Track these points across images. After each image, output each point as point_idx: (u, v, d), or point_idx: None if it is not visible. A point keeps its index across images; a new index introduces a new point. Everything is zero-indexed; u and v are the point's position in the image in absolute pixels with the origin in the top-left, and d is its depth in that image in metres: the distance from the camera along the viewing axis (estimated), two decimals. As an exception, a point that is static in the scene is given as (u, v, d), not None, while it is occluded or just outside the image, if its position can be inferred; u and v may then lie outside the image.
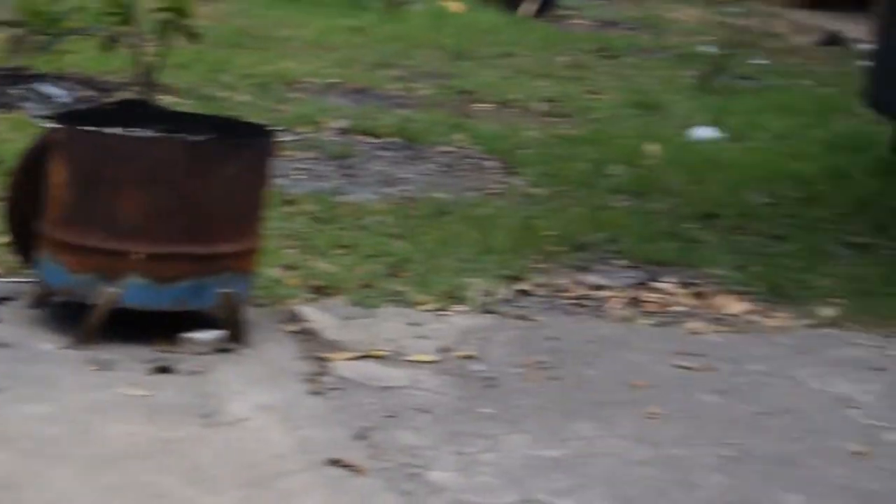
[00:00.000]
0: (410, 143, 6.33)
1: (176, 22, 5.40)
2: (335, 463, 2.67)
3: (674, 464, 2.94)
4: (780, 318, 4.19)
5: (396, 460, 2.79)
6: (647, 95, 8.08)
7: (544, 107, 7.62)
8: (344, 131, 6.38)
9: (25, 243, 3.46)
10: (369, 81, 7.91)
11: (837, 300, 4.37)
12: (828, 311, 4.22)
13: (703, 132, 7.05)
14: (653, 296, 4.32)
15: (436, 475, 2.74)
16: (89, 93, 6.37)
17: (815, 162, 6.53)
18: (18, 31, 5.84)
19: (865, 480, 2.95)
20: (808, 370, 3.68)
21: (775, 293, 4.42)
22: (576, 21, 11.84)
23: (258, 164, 3.41)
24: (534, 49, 9.73)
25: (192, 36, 5.46)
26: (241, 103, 6.62)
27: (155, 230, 3.19)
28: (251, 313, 3.50)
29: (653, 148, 6.38)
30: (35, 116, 5.56)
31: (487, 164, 6.14)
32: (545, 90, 8.11)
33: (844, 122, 7.43)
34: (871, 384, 3.63)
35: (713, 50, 9.45)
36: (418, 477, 2.72)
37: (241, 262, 3.39)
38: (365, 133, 6.42)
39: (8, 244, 3.66)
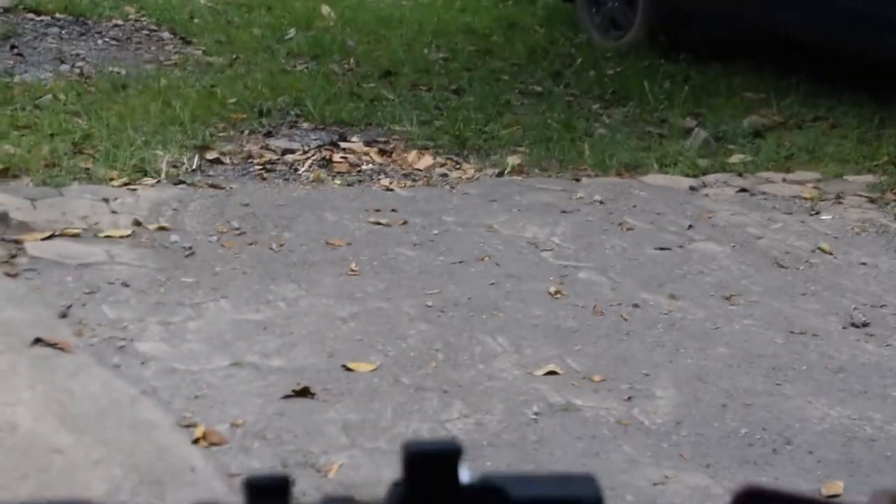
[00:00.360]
0: (79, 18, 5.96)
1: None
2: (39, 342, 2.67)
3: (378, 317, 3.09)
4: (468, 170, 4.29)
5: (102, 335, 2.83)
6: None
7: None
8: (6, 10, 5.89)
9: None
10: None
11: (521, 148, 4.49)
12: (513, 160, 4.32)
13: None
14: (341, 156, 4.29)
15: (144, 346, 2.80)
16: None
17: (487, 14, 6.57)
18: None
19: (563, 318, 3.16)
20: (499, 218, 3.81)
21: (461, 145, 4.48)
22: None
23: None
24: None
25: None
26: None
27: None
28: None
29: (327, 10, 6.28)
30: None
31: (162, 35, 5.89)
32: None
33: None
34: (561, 227, 3.79)
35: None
36: (126, 349, 2.78)
37: None
38: (30, 10, 5.95)
39: None
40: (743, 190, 4.27)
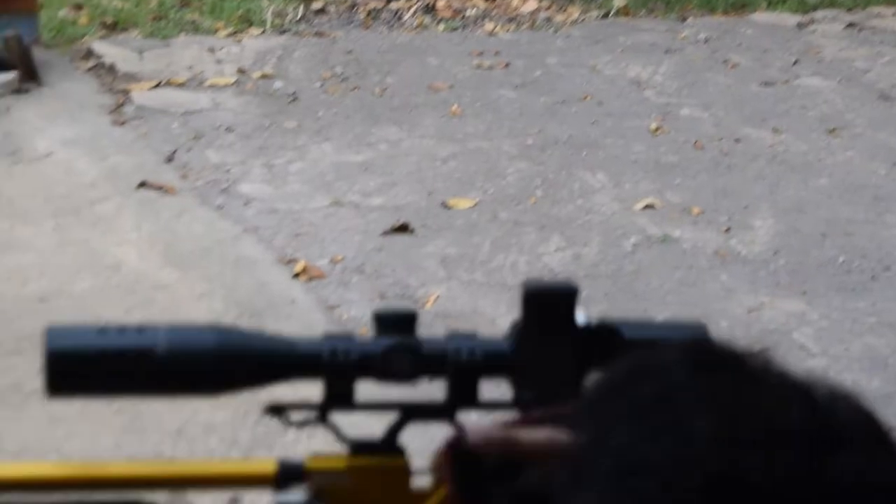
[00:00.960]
0: None
1: None
2: (145, 185, 2.80)
3: (478, 156, 3.13)
4: (573, 12, 4.39)
5: (206, 178, 2.95)
6: None
7: None
8: None
9: None
10: None
11: None
12: (619, 1, 4.43)
13: None
14: (446, 2, 4.41)
15: (246, 188, 2.90)
16: None
17: None
18: None
19: (663, 154, 3.22)
20: (602, 59, 3.86)
21: None
22: None
23: None
24: None
25: None
26: None
27: None
28: (44, 54, 3.56)
29: None
30: None
31: None
32: None
33: None
34: (664, 66, 3.84)
35: None
36: (229, 191, 2.89)
37: (20, 3, 3.45)
38: None
39: None
40: (851, 25, 4.37)
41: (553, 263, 2.64)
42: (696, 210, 2.87)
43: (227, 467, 0.80)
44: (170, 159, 3.01)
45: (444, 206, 2.95)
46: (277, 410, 0.65)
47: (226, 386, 0.63)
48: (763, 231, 2.79)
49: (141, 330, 0.62)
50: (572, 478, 0.41)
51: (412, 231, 2.83)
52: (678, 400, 0.40)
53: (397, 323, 0.64)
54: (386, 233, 2.80)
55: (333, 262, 2.72)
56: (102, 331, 0.62)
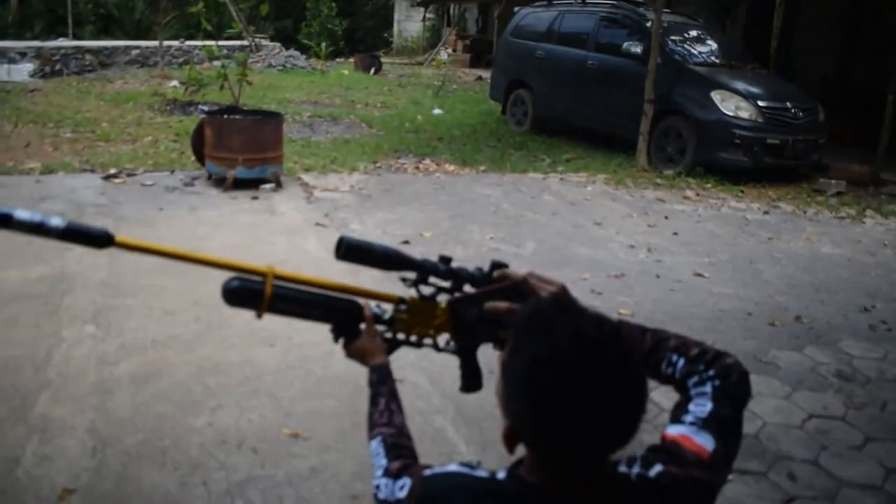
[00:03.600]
0: (333, 118, 13.12)
1: (243, 78, 10.88)
2: (318, 224, 7.54)
3: (433, 219, 7.84)
4: (466, 171, 9.83)
5: (338, 222, 7.46)
6: (415, 99, 17.13)
7: (380, 102, 16.44)
8: (310, 116, 13.50)
9: (200, 157, 8.45)
10: (317, 97, 16.31)
11: (485, 164, 10.24)
12: (482, 167, 9.93)
13: (437, 111, 15.55)
14: (423, 165, 9.85)
15: (353, 226, 7.71)
16: (216, 107, 12.47)
17: (476, 119, 14.63)
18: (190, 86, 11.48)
19: (500, 218, 7.98)
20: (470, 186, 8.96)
21: (465, 162, 10.34)
22: (390, 75, 22.33)
23: (277, 125, 8.40)
24: (374, 84, 19.48)
25: (249, 83, 11.59)
26: (269, 107, 13.13)
27: (245, 149, 8.15)
28: (283, 178, 8.51)
29: (420, 116, 14.48)
30: (199, 114, 11.71)
31: (362, 125, 13.09)
32: (380, 98, 17.08)
33: (485, 106, 15.87)
34: (497, 189, 8.82)
35: (437, 82, 19.42)
36: (346, 227, 7.32)
37: (276, 159, 8.33)
38: (318, 116, 13.42)
39: (195, 159, 8.68)
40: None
41: (458, 254, 7.31)
42: (502, 237, 7.64)
43: (376, 293, 1.76)
44: (326, 215, 7.55)
45: (421, 234, 6.85)
46: (404, 279, 1.76)
47: (391, 268, 1.70)
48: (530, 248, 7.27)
49: (372, 244, 1.69)
50: (515, 325, 1.31)
51: (409, 243, 6.53)
52: (547, 316, 1.29)
53: (442, 259, 1.75)
54: (401, 243, 6.46)
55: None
56: (369, 242, 1.68)
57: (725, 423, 1.43)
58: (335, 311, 1.74)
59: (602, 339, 1.27)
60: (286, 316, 1.70)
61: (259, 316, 1.67)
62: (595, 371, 1.23)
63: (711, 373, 1.48)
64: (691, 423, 1.42)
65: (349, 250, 1.66)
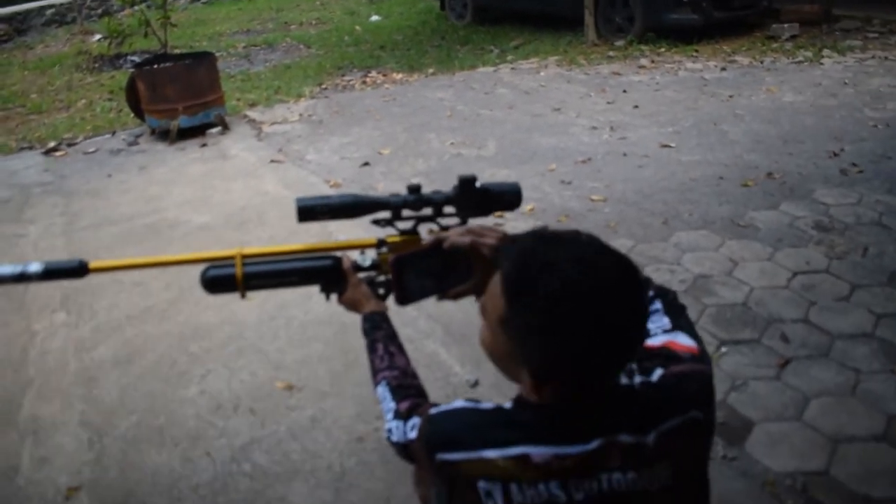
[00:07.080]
0: (269, 45, 12.45)
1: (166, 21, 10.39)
2: (273, 161, 7.52)
3: (387, 134, 7.75)
4: (414, 77, 9.48)
5: (294, 155, 7.42)
6: (350, 8, 16.62)
7: (314, 18, 15.81)
8: (245, 46, 12.57)
9: (139, 113, 8.20)
10: (248, 25, 14.77)
11: (433, 66, 9.76)
12: (430, 70, 9.54)
13: (375, 18, 15.17)
14: (369, 78, 9.50)
15: (308, 157, 7.65)
16: (146, 55, 12.01)
17: (416, 20, 13.38)
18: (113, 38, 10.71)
19: (456, 122, 7.92)
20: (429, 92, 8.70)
21: (412, 68, 9.89)
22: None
23: (211, 65, 8.17)
24: (305, 0, 18.26)
25: (173, 25, 10.95)
26: (200, 45, 12.57)
27: (183, 97, 7.95)
28: (228, 118, 8.32)
29: (358, 27, 13.16)
30: (130, 67, 11.07)
31: (300, 46, 12.37)
32: (314, 14, 16.39)
33: (424, 4, 15.75)
34: (449, 91, 8.60)
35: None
36: (303, 159, 7.26)
37: (217, 101, 8.13)
38: (253, 45, 12.55)
39: (134, 116, 8.45)
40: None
41: (420, 167, 7.35)
42: (468, 142, 7.52)
43: (350, 242, 1.76)
44: (279, 150, 7.60)
45: (379, 153, 6.73)
46: (377, 221, 1.71)
47: (356, 215, 1.66)
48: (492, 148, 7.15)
49: (329, 196, 1.63)
50: (505, 274, 1.26)
51: (369, 164, 6.49)
52: (538, 253, 1.25)
53: (411, 189, 1.68)
54: (360, 166, 6.42)
55: (344, 179, 6.21)
56: (326, 196, 1.64)
57: (689, 326, 1.54)
58: (313, 271, 1.78)
59: (598, 254, 1.27)
60: (268, 289, 1.76)
61: (242, 296, 1.73)
62: (606, 288, 1.23)
63: (652, 293, 1.60)
64: (665, 332, 1.51)
65: (306, 212, 1.66)
